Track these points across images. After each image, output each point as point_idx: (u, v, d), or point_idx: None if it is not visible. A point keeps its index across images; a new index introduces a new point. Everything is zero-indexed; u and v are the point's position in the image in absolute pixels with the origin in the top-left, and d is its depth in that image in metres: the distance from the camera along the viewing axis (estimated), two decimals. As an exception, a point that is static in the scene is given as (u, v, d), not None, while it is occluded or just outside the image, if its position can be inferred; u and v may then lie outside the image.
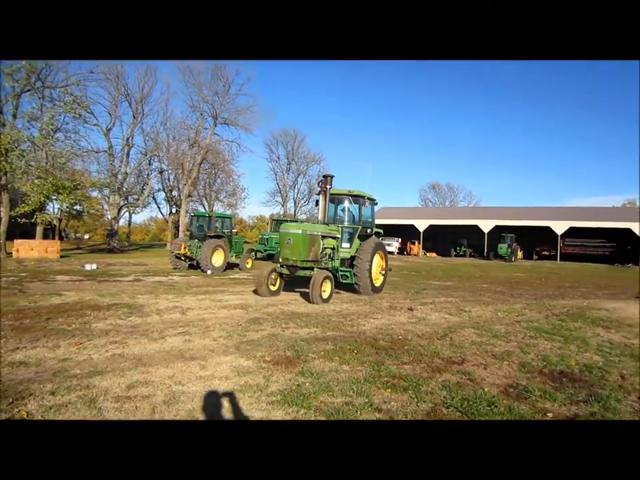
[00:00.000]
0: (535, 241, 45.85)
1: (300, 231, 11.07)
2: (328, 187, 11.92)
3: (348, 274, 11.76)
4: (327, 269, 11.42)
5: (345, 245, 12.34)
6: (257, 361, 5.59)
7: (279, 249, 11.97)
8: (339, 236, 12.07)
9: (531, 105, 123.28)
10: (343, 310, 9.76)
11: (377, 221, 15.76)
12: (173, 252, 19.62)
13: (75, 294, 10.83)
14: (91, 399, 4.12)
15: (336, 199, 12.85)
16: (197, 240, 19.27)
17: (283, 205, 66.77)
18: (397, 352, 6.12)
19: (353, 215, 13.01)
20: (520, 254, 43.28)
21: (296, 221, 31.08)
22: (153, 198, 50.65)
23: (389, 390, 4.63)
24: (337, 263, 11.85)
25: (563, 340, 7.24)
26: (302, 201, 69.05)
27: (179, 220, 43.25)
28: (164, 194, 50.87)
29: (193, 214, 22.15)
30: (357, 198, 12.81)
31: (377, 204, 14.00)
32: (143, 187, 45.40)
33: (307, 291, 10.64)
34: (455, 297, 12.91)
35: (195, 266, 19.26)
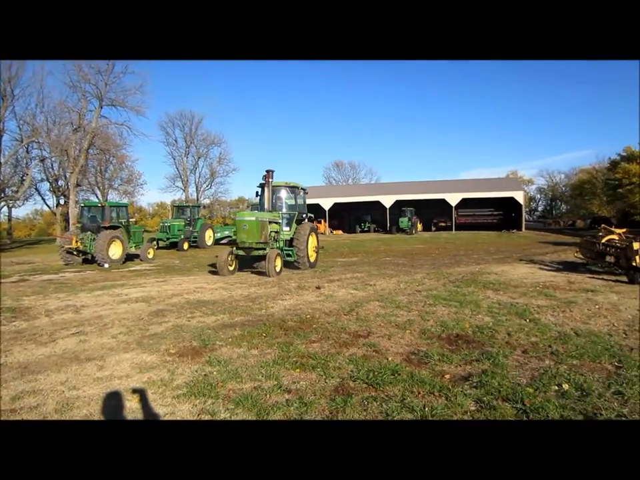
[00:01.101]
0: (433, 213, 48.66)
1: (254, 218, 13.06)
2: (270, 180, 13.92)
3: (290, 252, 14.10)
4: (276, 249, 13.59)
5: (286, 228, 14.60)
6: (160, 354, 5.33)
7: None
8: (280, 221, 14.36)
9: (422, 84, 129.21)
10: (251, 294, 9.64)
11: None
12: (63, 247, 18.06)
13: (-54, 301, 9.56)
14: (-34, 418, 3.65)
15: (276, 190, 14.86)
16: (90, 232, 17.95)
17: (184, 190, 64.13)
18: (306, 331, 6.17)
19: (291, 203, 15.32)
20: (420, 226, 45.69)
21: (198, 208, 30.20)
22: (36, 189, 45.61)
23: (298, 370, 4.65)
24: (281, 244, 14.24)
25: (459, 305, 7.76)
26: (204, 185, 66.79)
27: (68, 212, 39.80)
28: (48, 184, 46.26)
29: (83, 204, 20.51)
30: (293, 188, 15.37)
31: (307, 192, 16.31)
32: (22, 177, 40.74)
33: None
34: (360, 272, 13.34)
35: (89, 260, 17.99)
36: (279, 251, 13.43)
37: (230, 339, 5.86)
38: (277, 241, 14.04)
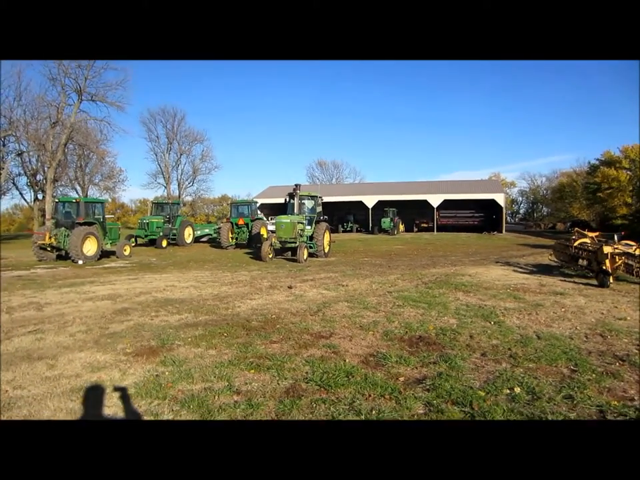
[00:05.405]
0: (415, 214, 48.78)
1: (289, 220, 17.79)
2: (297, 191, 18.88)
3: (312, 245, 18.79)
4: (303, 242, 17.98)
5: (308, 227, 19.12)
6: (116, 354, 5.22)
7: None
8: (304, 222, 18.82)
9: (406, 85, 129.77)
10: (221, 293, 9.54)
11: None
12: (36, 242, 17.71)
13: None
14: None
15: (301, 198, 19.53)
16: (64, 228, 17.62)
17: (166, 187, 63.34)
18: (268, 331, 6.10)
19: (311, 208, 20.16)
20: (402, 227, 45.79)
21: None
22: (13, 183, 44.63)
23: (253, 371, 4.58)
24: (305, 239, 18.56)
25: (427, 306, 7.74)
26: (186, 182, 65.98)
27: (45, 207, 38.96)
28: (26, 178, 45.25)
29: (58, 200, 20.11)
30: (313, 197, 20.42)
31: (322, 199, 21.34)
32: (-2, 171, 39.94)
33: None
34: (335, 272, 13.29)
35: (64, 256, 17.66)
36: (306, 244, 17.97)
37: (190, 339, 5.77)
38: (302, 236, 18.25)
